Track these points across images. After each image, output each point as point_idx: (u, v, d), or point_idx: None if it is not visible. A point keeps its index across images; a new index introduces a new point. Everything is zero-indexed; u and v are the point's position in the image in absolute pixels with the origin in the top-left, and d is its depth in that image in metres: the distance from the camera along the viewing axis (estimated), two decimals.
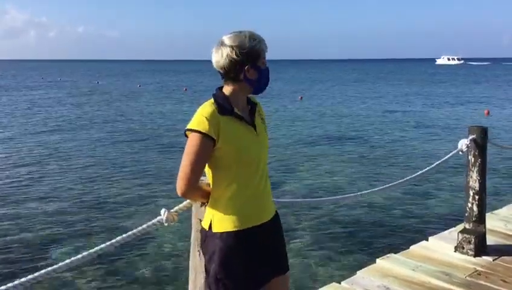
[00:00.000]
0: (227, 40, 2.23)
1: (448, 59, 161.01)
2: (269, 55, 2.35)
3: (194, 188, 2.22)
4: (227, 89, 2.29)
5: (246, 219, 2.25)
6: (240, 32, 2.25)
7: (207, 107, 2.21)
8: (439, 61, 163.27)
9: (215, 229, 2.25)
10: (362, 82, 59.84)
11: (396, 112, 26.42)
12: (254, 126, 2.31)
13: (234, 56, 2.20)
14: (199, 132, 2.15)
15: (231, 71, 2.23)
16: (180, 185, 2.19)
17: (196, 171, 2.18)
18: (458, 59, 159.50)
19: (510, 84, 52.06)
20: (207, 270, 2.31)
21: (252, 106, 2.36)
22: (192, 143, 2.17)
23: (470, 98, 35.35)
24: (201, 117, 2.17)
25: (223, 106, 2.22)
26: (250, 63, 2.24)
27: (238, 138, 2.23)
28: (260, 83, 2.30)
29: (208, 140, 2.15)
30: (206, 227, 2.29)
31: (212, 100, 2.26)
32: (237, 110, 2.25)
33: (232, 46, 2.20)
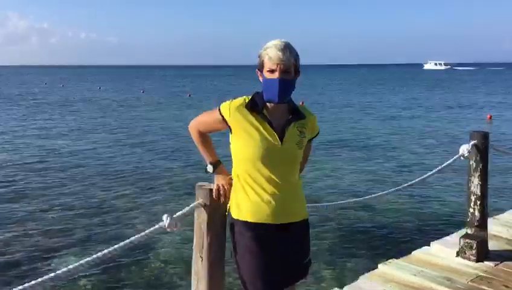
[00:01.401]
0: None
1: (435, 64, 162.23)
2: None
3: (195, 129, 2.59)
4: None
5: (255, 213, 2.38)
6: (274, 40, 2.40)
7: (239, 99, 2.44)
8: (426, 66, 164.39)
9: (232, 214, 2.48)
10: (360, 87, 59.76)
11: (397, 117, 26.44)
12: (281, 134, 2.37)
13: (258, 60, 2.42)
14: (219, 110, 2.42)
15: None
16: (191, 122, 2.63)
17: (200, 123, 2.57)
18: (445, 64, 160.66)
19: (506, 88, 52.31)
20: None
21: (294, 116, 2.44)
22: (211, 111, 2.51)
23: (471, 102, 35.41)
24: (228, 103, 2.42)
25: (254, 103, 2.40)
26: (259, 70, 2.42)
27: (252, 135, 2.35)
28: (265, 90, 2.39)
29: (221, 120, 2.42)
30: (228, 209, 2.54)
31: (251, 96, 2.44)
32: (266, 112, 2.38)
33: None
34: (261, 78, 2.41)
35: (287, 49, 2.34)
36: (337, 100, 38.94)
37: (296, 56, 2.37)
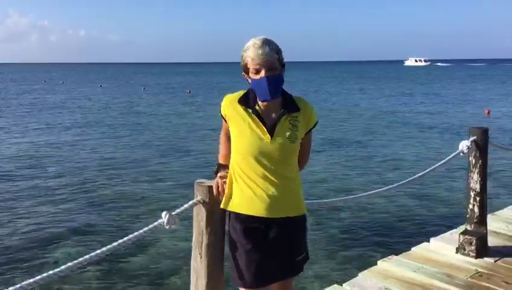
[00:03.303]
0: None
1: (416, 61, 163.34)
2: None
3: (221, 132, 2.63)
4: None
5: (248, 206, 2.39)
6: (252, 39, 2.35)
7: (234, 94, 2.48)
8: (407, 63, 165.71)
9: (225, 206, 2.49)
10: (354, 84, 59.49)
11: (396, 113, 26.40)
12: (270, 129, 2.35)
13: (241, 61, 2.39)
14: (220, 108, 2.49)
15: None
16: None
17: (223, 126, 2.58)
18: (425, 60, 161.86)
19: (497, 83, 52.53)
20: None
21: (286, 109, 2.39)
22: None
23: (467, 97, 35.48)
24: (224, 99, 2.48)
25: (247, 98, 2.41)
26: (246, 72, 2.40)
27: (243, 130, 2.37)
28: (256, 92, 2.36)
29: (223, 116, 2.49)
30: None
31: (246, 90, 2.45)
32: (258, 107, 2.37)
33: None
34: (249, 80, 2.38)
35: (266, 45, 2.28)
36: (332, 98, 38.86)
37: (277, 50, 2.32)
